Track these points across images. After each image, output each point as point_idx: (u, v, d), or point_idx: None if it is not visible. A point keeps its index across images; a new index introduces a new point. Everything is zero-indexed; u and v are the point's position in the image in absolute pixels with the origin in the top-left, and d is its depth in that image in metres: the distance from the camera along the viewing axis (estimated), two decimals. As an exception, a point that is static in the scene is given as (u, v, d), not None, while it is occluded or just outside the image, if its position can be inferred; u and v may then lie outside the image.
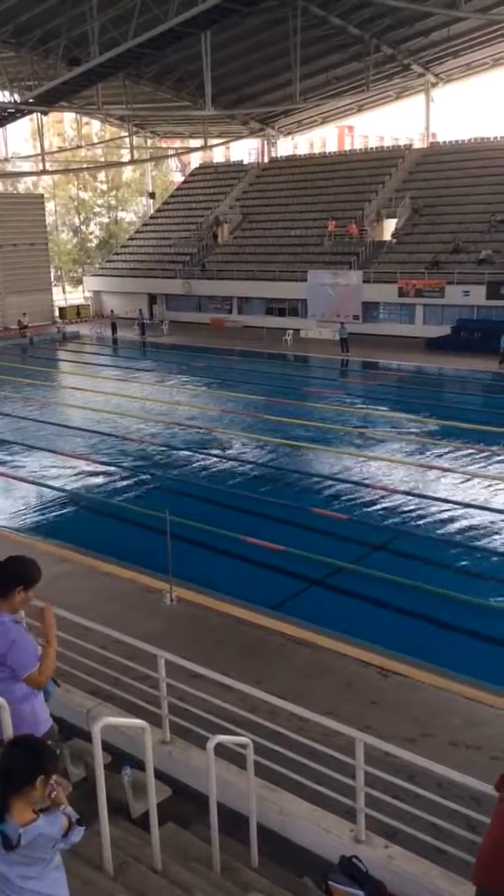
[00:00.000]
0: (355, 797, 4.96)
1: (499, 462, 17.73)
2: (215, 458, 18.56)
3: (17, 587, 4.46)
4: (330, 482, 16.64)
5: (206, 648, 8.72)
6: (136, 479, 17.17)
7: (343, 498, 15.59)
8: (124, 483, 16.95)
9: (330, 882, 3.96)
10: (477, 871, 4.04)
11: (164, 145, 59.57)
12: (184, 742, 6.35)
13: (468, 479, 16.53)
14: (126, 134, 50.37)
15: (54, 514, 15.25)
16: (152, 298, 47.41)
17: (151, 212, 57.74)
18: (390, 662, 8.74)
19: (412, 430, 21.24)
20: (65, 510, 15.52)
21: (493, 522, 13.94)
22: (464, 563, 12.41)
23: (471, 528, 13.76)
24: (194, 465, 18.25)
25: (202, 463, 18.29)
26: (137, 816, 5.03)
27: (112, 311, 44.88)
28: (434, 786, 5.20)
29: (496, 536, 13.40)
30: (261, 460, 18.54)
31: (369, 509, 14.89)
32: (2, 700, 4.17)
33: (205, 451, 19.29)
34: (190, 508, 14.61)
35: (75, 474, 17.69)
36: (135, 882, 4.24)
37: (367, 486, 16.21)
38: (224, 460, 18.42)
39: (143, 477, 17.32)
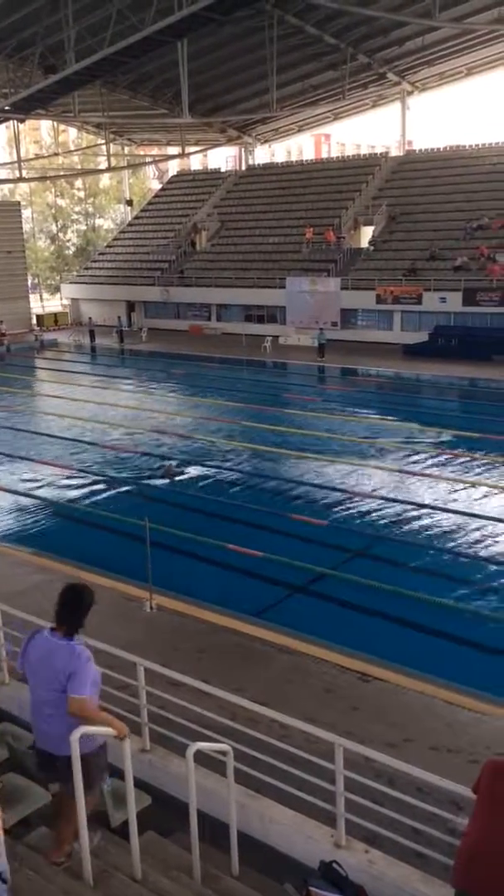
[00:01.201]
0: (335, 802, 4.97)
1: (477, 466, 17.87)
2: (195, 466, 18.53)
3: (85, 615, 4.87)
4: (309, 488, 16.67)
5: (185, 656, 8.69)
6: (115, 487, 17.11)
7: (322, 504, 15.62)
8: (103, 491, 16.89)
9: (311, 888, 3.97)
10: (456, 874, 4.06)
11: (141, 153, 59.64)
12: (164, 750, 6.32)
13: (446, 484, 16.64)
14: (103, 141, 50.37)
15: (32, 522, 15.14)
16: (130, 306, 47.35)
17: (129, 219, 57.76)
18: (371, 667, 8.76)
19: (390, 435, 21.35)
20: (43, 519, 15.41)
21: (471, 526, 14.02)
22: (443, 567, 12.47)
23: (449, 532, 13.83)
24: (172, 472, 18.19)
25: (182, 470, 18.24)
26: (117, 825, 5.01)
27: (90, 318, 44.80)
28: (414, 790, 5.22)
29: (474, 540, 13.48)
30: (240, 467, 18.54)
31: (349, 515, 14.94)
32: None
33: (184, 457, 19.26)
34: (170, 516, 14.58)
35: (53, 482, 17.59)
36: (114, 891, 4.23)
37: (346, 491, 16.25)
38: (202, 467, 18.40)
39: (122, 485, 17.26)
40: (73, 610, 4.78)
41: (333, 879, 4.08)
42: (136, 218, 56.18)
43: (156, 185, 66.83)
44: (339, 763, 4.90)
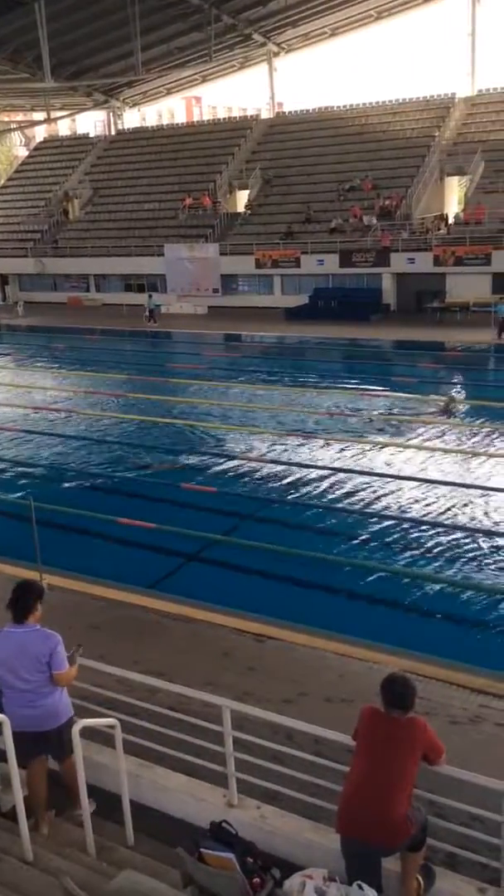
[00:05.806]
0: (226, 763, 5.06)
1: (358, 425, 18.31)
2: (79, 441, 18.19)
3: (37, 601, 5.28)
4: (197, 456, 16.67)
5: (80, 634, 8.54)
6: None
7: (211, 471, 15.65)
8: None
9: (202, 849, 4.04)
10: (338, 820, 4.20)
11: (5, 119, 57.14)
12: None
13: (328, 443, 16.98)
14: (-38, 108, 48.01)
15: None
16: (3, 279, 45.67)
17: (-4, 188, 55.41)
18: (266, 628, 8.90)
19: (273, 399, 21.56)
20: None
21: (353, 483, 14.36)
22: (329, 524, 12.75)
23: (333, 489, 14.13)
24: (58, 449, 17.81)
25: (66, 447, 17.87)
26: (8, 810, 4.95)
27: (-38, 294, 42.98)
28: (312, 743, 5.35)
29: (357, 496, 13.81)
30: (126, 440, 18.31)
31: (237, 480, 15.03)
32: (2, 717, 4.70)
33: (70, 433, 18.87)
34: (57, 493, 14.29)
35: None
36: (5, 876, 4.18)
37: (233, 457, 16.34)
38: (88, 441, 18.09)
39: (5, 464, 16.76)
40: (23, 601, 5.23)
41: (223, 838, 4.16)
42: (4, 187, 53.97)
43: (23, 153, 64.27)
44: (227, 724, 4.96)
